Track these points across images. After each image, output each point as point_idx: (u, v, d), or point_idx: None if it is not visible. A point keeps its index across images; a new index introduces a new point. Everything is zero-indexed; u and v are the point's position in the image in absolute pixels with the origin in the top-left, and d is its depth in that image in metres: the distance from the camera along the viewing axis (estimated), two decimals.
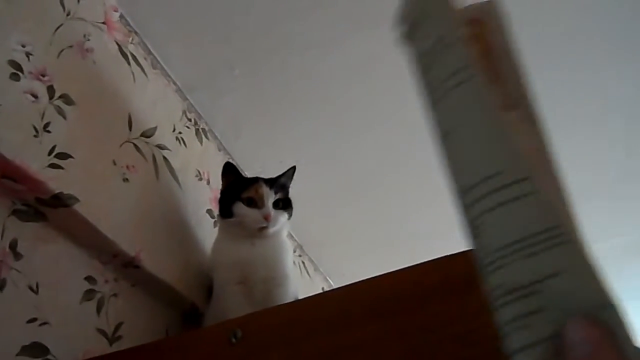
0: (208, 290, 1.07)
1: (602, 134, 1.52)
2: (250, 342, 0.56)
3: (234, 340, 0.57)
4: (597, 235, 1.95)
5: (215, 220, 1.25)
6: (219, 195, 1.16)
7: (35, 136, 0.78)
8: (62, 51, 0.89)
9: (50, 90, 0.83)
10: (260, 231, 1.00)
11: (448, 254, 0.58)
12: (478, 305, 0.50)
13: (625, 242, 2.02)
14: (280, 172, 1.11)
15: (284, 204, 1.05)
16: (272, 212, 1.00)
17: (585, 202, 1.86)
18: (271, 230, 1.00)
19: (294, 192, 1.13)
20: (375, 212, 1.69)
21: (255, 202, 1.01)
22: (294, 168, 1.12)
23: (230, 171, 1.10)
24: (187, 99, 1.29)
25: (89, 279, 0.87)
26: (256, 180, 1.05)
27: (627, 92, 1.39)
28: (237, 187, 1.04)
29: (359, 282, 0.55)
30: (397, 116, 1.38)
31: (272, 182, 1.05)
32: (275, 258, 1.01)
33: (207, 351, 0.58)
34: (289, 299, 0.99)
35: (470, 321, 0.50)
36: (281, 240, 1.05)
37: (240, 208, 1.00)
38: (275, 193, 1.03)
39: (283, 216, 1.04)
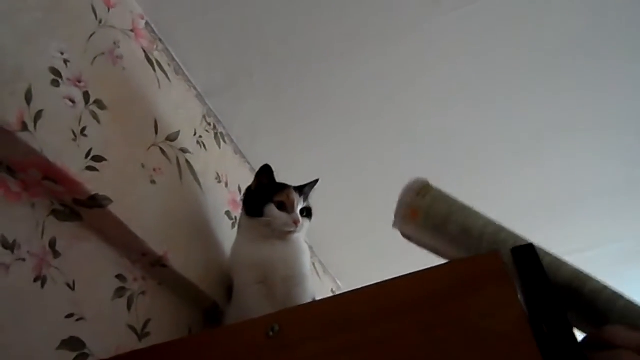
0: (228, 290, 1.10)
1: (604, 143, 1.57)
2: (287, 335, 0.60)
3: (271, 333, 0.60)
4: (597, 241, 2.01)
5: (233, 222, 1.29)
6: (240, 195, 1.19)
7: (73, 140, 0.81)
8: (95, 58, 0.93)
9: (86, 95, 0.87)
10: (286, 234, 1.05)
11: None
12: (491, 303, 0.54)
13: (624, 247, 2.06)
14: (305, 182, 1.15)
15: (308, 213, 1.10)
16: (300, 218, 1.05)
17: (586, 208, 1.90)
18: (296, 235, 1.06)
19: None
20: (383, 218, 1.72)
21: (285, 207, 1.06)
22: (317, 181, 1.16)
23: (267, 173, 1.12)
24: (206, 104, 1.33)
25: (120, 277, 0.91)
26: (287, 186, 1.09)
27: (629, 102, 1.43)
28: (269, 190, 1.08)
29: (388, 280, 0.59)
30: (409, 126, 1.43)
31: (300, 190, 1.10)
32: (294, 258, 1.05)
33: (244, 344, 0.62)
34: (308, 298, 1.03)
35: (484, 317, 0.54)
36: (300, 243, 1.09)
37: (271, 210, 1.04)
38: (303, 201, 1.08)
39: (307, 223, 1.09)
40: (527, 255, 0.55)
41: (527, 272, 0.54)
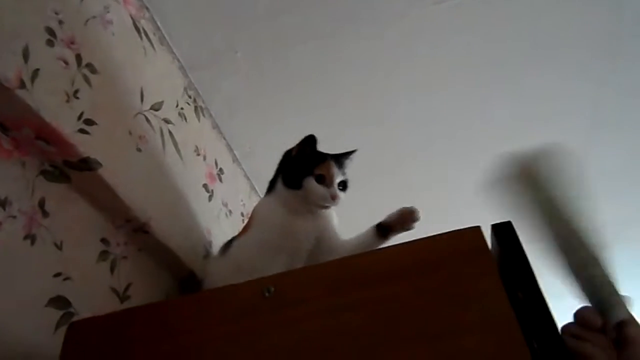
0: (226, 244, 1.10)
1: (564, 137, 1.67)
2: (283, 296, 0.64)
3: (267, 294, 0.64)
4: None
5: (210, 195, 1.31)
6: (216, 169, 1.20)
7: (67, 101, 0.82)
8: (87, 21, 0.93)
9: (78, 58, 0.87)
10: (321, 208, 1.03)
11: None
12: (481, 271, 0.60)
13: None
14: (344, 150, 1.11)
15: (344, 186, 1.06)
16: (338, 192, 1.02)
17: None
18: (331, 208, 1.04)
19: None
20: (362, 197, 1.79)
21: (324, 180, 1.02)
22: (354, 151, 1.11)
23: (311, 143, 1.06)
24: (188, 76, 1.34)
25: (104, 240, 0.92)
26: (327, 158, 1.05)
27: (592, 97, 1.54)
28: (309, 160, 1.04)
29: (382, 248, 0.64)
30: (390, 109, 1.48)
31: (339, 162, 1.07)
32: (329, 228, 1.05)
33: (241, 304, 0.65)
34: None
35: (474, 283, 0.60)
36: (332, 214, 1.08)
37: (311, 183, 1.01)
38: (342, 174, 1.05)
39: (342, 196, 1.04)
40: (506, 231, 0.62)
41: (506, 245, 0.61)
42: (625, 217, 1.99)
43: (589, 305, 0.58)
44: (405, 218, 0.95)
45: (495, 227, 0.63)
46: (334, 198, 1.01)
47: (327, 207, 1.03)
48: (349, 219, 1.07)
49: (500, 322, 0.55)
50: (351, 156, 1.10)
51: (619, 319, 0.54)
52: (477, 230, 0.63)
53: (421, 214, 0.94)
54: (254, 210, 1.10)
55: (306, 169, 1.02)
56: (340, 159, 1.08)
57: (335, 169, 1.03)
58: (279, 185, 1.06)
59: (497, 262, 0.62)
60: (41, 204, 0.79)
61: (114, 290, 0.91)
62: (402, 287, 0.61)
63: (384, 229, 0.96)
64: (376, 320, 0.60)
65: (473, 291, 0.59)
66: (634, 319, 0.55)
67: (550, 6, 1.27)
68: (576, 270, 0.58)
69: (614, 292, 0.57)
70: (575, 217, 0.61)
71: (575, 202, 0.62)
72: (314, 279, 0.65)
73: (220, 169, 1.44)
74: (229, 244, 1.07)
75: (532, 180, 0.65)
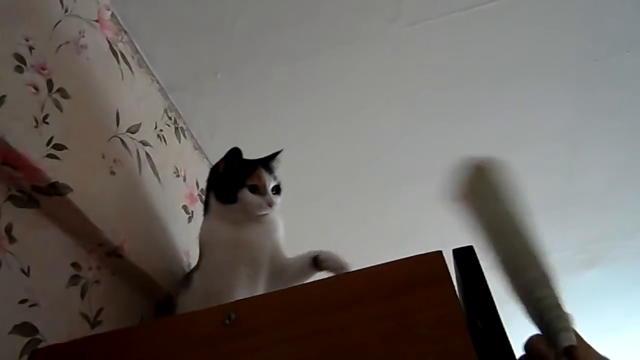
0: (185, 277, 1.11)
1: (542, 158, 1.68)
2: (243, 324, 0.63)
3: (227, 322, 0.64)
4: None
5: (189, 216, 1.30)
6: (197, 190, 1.20)
7: (35, 127, 0.82)
8: (60, 46, 0.93)
9: (50, 83, 0.88)
10: (261, 217, 1.03)
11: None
12: (441, 298, 0.60)
13: (561, 257, 2.21)
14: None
15: (278, 190, 1.08)
16: (274, 198, 1.04)
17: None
18: (271, 215, 1.05)
19: None
20: (339, 215, 1.78)
21: (257, 189, 1.03)
22: (280, 151, 1.12)
23: (237, 156, 1.07)
24: (168, 98, 1.34)
25: (75, 265, 0.91)
26: (256, 166, 1.06)
27: (570, 120, 1.55)
28: (239, 172, 1.05)
29: (343, 274, 0.64)
30: (369, 128, 1.49)
31: (268, 167, 1.07)
32: (277, 237, 1.06)
33: (201, 332, 0.65)
34: None
35: (433, 311, 0.59)
36: (277, 220, 1.08)
37: (245, 195, 1.01)
38: (273, 179, 1.06)
39: (279, 200, 1.06)
40: (467, 257, 0.61)
41: (466, 271, 0.60)
42: (611, 234, 1.99)
43: (538, 333, 0.57)
44: (337, 267, 0.92)
45: (456, 252, 0.63)
46: (270, 205, 1.02)
47: (265, 215, 1.03)
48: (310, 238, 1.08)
49: (458, 352, 0.55)
50: (278, 157, 1.11)
51: (567, 345, 0.53)
52: (438, 255, 0.63)
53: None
54: (199, 238, 1.09)
55: (237, 181, 1.03)
56: (268, 163, 1.09)
57: (266, 176, 1.05)
58: (213, 203, 1.07)
59: (459, 287, 0.61)
60: (8, 230, 0.79)
61: (84, 316, 0.90)
62: (360, 314, 0.61)
63: (318, 263, 0.96)
64: (335, 348, 0.59)
65: (432, 319, 0.58)
66: (582, 342, 0.54)
67: (527, 30, 1.28)
68: (522, 294, 0.57)
69: (561, 315, 0.55)
70: (522, 234, 0.60)
71: (521, 219, 0.61)
72: (274, 306, 0.65)
73: (202, 190, 1.44)
74: (188, 277, 1.07)
75: (478, 192, 0.64)
